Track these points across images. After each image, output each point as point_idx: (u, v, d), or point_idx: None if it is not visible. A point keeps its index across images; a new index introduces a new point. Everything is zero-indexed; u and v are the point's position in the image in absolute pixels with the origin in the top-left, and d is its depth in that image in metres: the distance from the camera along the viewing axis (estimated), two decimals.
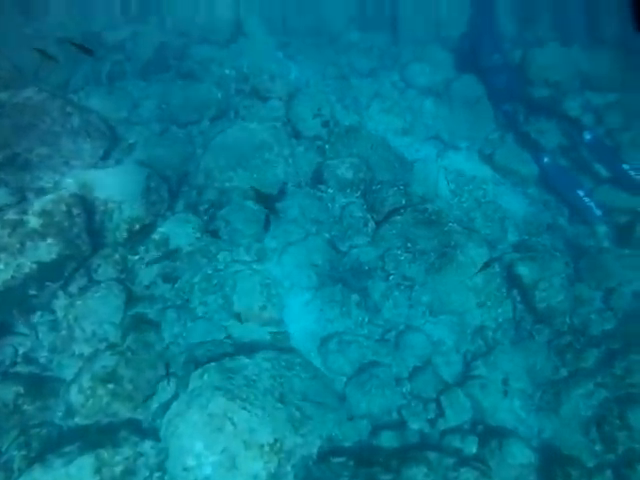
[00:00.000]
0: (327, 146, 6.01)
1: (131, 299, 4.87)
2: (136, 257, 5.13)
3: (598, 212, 5.61)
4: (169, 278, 5.10)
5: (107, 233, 5.07)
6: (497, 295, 5.18)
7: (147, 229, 5.21)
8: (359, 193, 5.80)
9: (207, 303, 4.97)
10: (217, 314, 4.91)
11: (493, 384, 4.60)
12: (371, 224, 5.65)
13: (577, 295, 4.94)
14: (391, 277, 5.28)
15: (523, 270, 5.09)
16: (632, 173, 5.79)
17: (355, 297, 5.15)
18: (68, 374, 4.45)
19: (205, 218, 5.52)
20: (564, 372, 4.62)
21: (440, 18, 8.53)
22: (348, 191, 5.77)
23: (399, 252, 5.36)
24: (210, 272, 5.11)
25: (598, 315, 4.87)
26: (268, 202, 5.54)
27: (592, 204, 5.64)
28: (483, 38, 7.11)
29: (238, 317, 4.89)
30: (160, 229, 5.28)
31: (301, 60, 7.58)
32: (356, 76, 7.68)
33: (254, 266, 5.18)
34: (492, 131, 6.88)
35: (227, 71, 6.92)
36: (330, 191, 5.78)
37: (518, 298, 5.13)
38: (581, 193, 5.73)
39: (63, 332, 4.65)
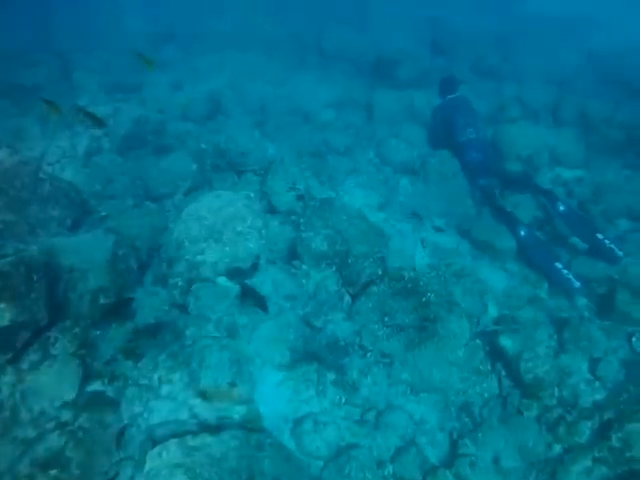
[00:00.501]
0: (302, 220, 5.92)
1: (89, 376, 4.49)
2: (98, 331, 4.80)
3: (577, 284, 5.55)
4: (132, 354, 4.77)
5: (69, 303, 4.76)
6: (481, 370, 4.95)
7: (113, 303, 4.93)
8: (334, 268, 5.63)
9: (172, 381, 4.60)
10: (183, 392, 4.53)
11: (483, 463, 4.22)
12: (347, 298, 5.46)
13: (563, 366, 4.73)
14: (369, 354, 5.01)
15: (506, 342, 4.89)
16: (607, 242, 5.84)
17: (331, 375, 4.85)
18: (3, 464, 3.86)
19: (174, 292, 5.29)
20: (558, 448, 4.29)
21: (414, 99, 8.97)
22: (323, 265, 5.60)
23: (376, 327, 5.14)
24: (176, 349, 4.81)
25: (587, 385, 4.64)
26: (240, 277, 5.37)
27: (570, 276, 5.60)
28: (456, 113, 7.38)
29: (205, 395, 4.52)
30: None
31: (277, 137, 7.74)
32: (332, 153, 7.86)
33: (223, 342, 4.89)
34: (469, 206, 6.95)
35: (203, 146, 7.02)
36: (304, 267, 5.63)
37: (503, 372, 4.88)
38: (559, 265, 5.70)
39: (6, 413, 4.16)
